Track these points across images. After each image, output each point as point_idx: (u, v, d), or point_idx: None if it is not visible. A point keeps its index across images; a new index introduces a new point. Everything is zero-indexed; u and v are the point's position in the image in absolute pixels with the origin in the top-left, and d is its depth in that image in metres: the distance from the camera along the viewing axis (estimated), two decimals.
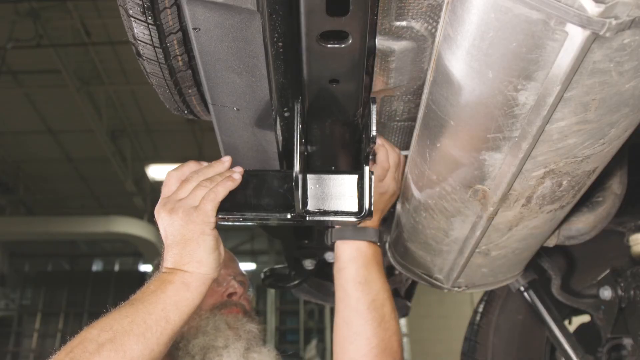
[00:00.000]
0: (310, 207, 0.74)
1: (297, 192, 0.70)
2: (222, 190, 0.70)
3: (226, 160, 0.75)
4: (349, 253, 0.84)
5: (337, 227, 0.86)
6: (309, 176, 0.74)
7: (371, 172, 0.74)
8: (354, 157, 0.89)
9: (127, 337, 0.60)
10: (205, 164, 0.78)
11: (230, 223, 0.75)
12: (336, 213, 0.74)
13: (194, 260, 0.68)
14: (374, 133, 0.70)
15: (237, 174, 0.73)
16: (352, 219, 0.74)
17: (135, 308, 0.64)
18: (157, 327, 0.63)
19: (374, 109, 0.72)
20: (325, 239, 0.89)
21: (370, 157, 0.77)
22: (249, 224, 0.76)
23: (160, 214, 0.71)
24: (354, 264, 0.84)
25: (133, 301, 0.66)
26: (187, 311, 0.67)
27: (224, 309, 0.95)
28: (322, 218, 0.74)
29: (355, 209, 0.74)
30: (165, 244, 0.71)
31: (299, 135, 0.71)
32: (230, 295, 1.00)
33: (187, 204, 0.70)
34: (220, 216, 0.72)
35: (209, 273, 0.69)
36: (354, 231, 0.85)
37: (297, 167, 0.69)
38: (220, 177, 0.72)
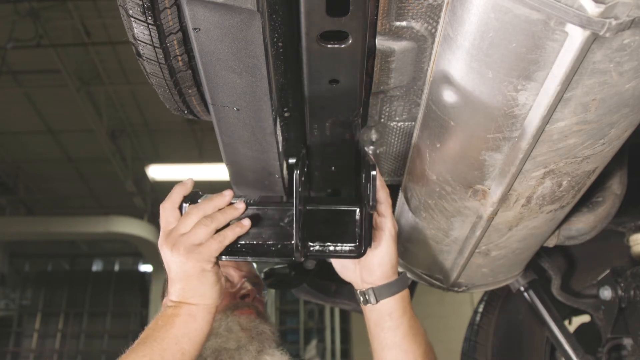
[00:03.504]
0: (311, 246, 0.76)
1: (297, 239, 0.71)
2: (231, 235, 0.73)
3: (227, 194, 0.76)
4: (401, 306, 0.79)
5: (379, 284, 0.79)
6: (308, 209, 0.75)
7: (372, 208, 0.74)
8: (354, 174, 0.90)
9: None
10: (188, 184, 0.79)
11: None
12: (336, 250, 0.76)
13: (197, 295, 0.72)
14: (373, 203, 0.71)
15: (247, 220, 0.74)
16: (353, 255, 0.76)
17: (150, 346, 0.68)
18: None
19: (376, 176, 0.72)
20: (361, 299, 0.82)
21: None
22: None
23: (163, 248, 0.74)
24: (406, 317, 0.80)
25: (145, 339, 0.69)
26: (199, 340, 0.71)
27: (236, 310, 0.95)
28: (323, 256, 0.76)
29: (355, 245, 0.75)
30: (169, 277, 0.75)
31: (299, 177, 0.73)
32: (243, 296, 1.00)
33: (189, 241, 0.72)
34: (224, 258, 0.75)
35: (212, 304, 0.74)
36: (397, 282, 0.80)
37: (296, 208, 0.71)
38: (222, 214, 0.74)
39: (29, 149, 7.06)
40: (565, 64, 0.50)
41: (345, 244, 0.75)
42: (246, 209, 0.76)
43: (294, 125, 0.90)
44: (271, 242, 0.75)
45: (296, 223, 0.71)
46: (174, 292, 0.73)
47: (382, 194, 0.79)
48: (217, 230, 0.73)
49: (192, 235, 0.72)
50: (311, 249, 0.75)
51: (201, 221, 0.73)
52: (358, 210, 0.75)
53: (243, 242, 0.75)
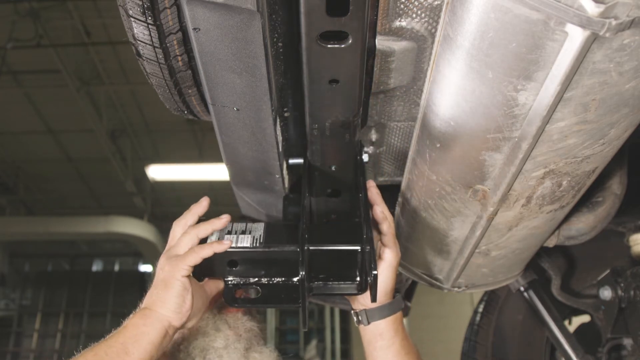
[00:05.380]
0: (313, 285, 0.79)
1: (303, 292, 0.74)
2: (208, 250, 0.76)
3: (224, 217, 0.81)
4: (393, 327, 0.82)
5: (372, 307, 0.83)
6: (311, 249, 0.78)
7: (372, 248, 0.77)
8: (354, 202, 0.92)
9: None
10: (204, 204, 0.83)
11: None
12: (339, 287, 0.79)
13: (159, 300, 0.75)
14: (375, 272, 0.73)
15: (227, 241, 0.79)
16: (354, 292, 0.79)
17: (101, 344, 0.71)
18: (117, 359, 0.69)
19: (373, 251, 0.75)
20: (355, 318, 0.86)
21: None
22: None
23: (159, 261, 0.79)
24: (398, 337, 0.83)
25: (104, 338, 0.73)
26: (147, 347, 0.72)
27: (224, 309, 0.95)
28: (325, 293, 0.80)
29: (356, 282, 0.78)
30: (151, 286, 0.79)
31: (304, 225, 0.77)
32: None
33: (173, 252, 0.77)
34: (236, 306, 0.81)
35: (167, 315, 0.74)
36: (390, 306, 0.83)
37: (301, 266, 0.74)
38: (206, 223, 0.79)
39: (29, 149, 7.06)
40: (565, 64, 0.50)
41: (346, 282, 0.79)
42: (232, 224, 0.81)
43: (294, 125, 0.90)
44: (278, 280, 0.79)
45: (301, 265, 0.74)
46: (146, 297, 0.77)
47: (385, 226, 0.82)
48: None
49: (176, 246, 0.77)
50: (313, 286, 0.79)
51: (187, 230, 0.78)
52: (359, 249, 0.77)
53: (252, 281, 0.80)
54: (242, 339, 0.89)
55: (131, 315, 0.76)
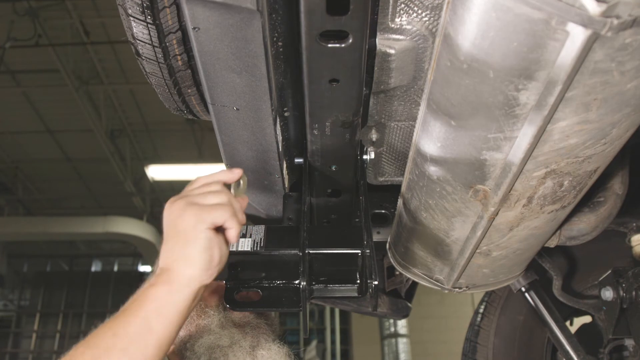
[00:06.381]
0: (314, 288, 0.79)
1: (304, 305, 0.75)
2: (238, 207, 0.65)
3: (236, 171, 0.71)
4: None
5: None
6: (311, 253, 0.78)
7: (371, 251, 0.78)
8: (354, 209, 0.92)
9: (108, 354, 0.56)
10: (235, 175, 0.71)
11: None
12: (340, 289, 0.80)
13: (181, 258, 0.61)
14: (375, 282, 0.74)
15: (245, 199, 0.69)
16: (355, 295, 0.80)
17: (119, 320, 0.59)
18: (140, 340, 0.57)
19: (374, 256, 0.77)
20: None
21: None
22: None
23: (166, 205, 0.65)
24: None
25: (121, 311, 0.61)
26: (173, 319, 0.60)
27: None
28: (325, 297, 0.80)
29: (357, 285, 0.79)
30: (163, 240, 0.65)
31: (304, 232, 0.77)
32: None
33: (194, 198, 0.64)
34: (237, 310, 0.80)
35: (195, 275, 0.61)
36: None
37: (302, 274, 0.74)
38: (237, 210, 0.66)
39: (28, 149, 7.05)
40: (566, 64, 0.49)
41: (347, 285, 0.79)
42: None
43: (294, 125, 0.90)
44: (279, 283, 0.79)
45: (302, 274, 0.74)
46: (162, 254, 0.63)
47: None
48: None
49: (201, 195, 0.64)
50: (314, 289, 0.79)
51: (216, 192, 0.64)
52: (360, 252, 0.78)
53: (253, 284, 0.80)
54: (248, 337, 0.89)
55: (150, 280, 0.63)
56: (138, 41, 0.71)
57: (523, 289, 1.23)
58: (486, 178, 0.70)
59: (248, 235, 0.80)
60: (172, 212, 0.63)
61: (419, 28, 0.68)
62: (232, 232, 0.63)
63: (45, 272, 10.23)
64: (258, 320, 0.92)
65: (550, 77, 0.52)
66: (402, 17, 0.67)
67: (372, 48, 0.71)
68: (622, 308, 1.10)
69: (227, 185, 0.69)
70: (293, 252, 0.77)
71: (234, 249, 0.78)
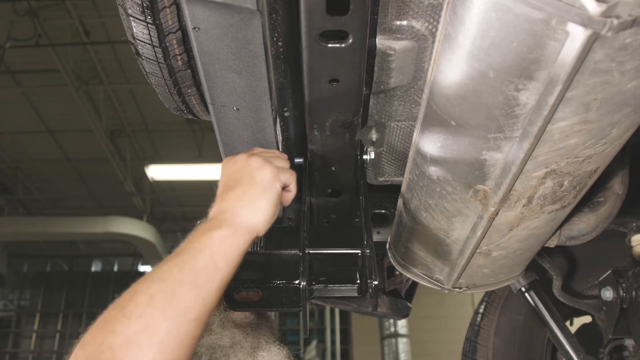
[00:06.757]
0: (314, 288, 0.79)
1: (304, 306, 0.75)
2: (296, 190, 0.71)
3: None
4: None
5: None
6: (311, 253, 0.78)
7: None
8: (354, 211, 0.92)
9: (179, 286, 0.56)
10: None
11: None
12: (340, 289, 0.80)
13: (252, 204, 0.65)
14: (375, 282, 0.74)
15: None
16: (355, 295, 0.80)
17: (183, 257, 0.60)
18: (206, 275, 0.59)
19: (374, 257, 0.77)
20: None
21: None
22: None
23: (235, 157, 0.69)
24: None
25: (179, 251, 0.61)
26: (235, 261, 0.62)
27: None
28: (326, 296, 0.81)
29: (357, 285, 0.79)
30: (225, 187, 0.68)
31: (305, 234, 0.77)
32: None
33: (269, 159, 0.70)
34: (237, 310, 0.80)
35: (258, 226, 0.65)
36: None
37: (302, 274, 0.74)
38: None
39: (28, 149, 7.05)
40: (566, 64, 0.49)
41: (347, 285, 0.79)
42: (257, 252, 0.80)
43: (294, 125, 0.90)
44: (279, 283, 0.79)
45: (302, 274, 0.74)
46: (227, 198, 0.65)
47: None
48: None
49: (276, 157, 0.71)
50: (314, 289, 0.79)
51: (281, 155, 0.73)
52: (360, 252, 0.78)
53: (253, 283, 0.80)
54: (249, 337, 0.89)
55: (209, 222, 0.63)
56: (138, 41, 0.71)
57: (523, 289, 1.23)
58: (486, 178, 0.70)
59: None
60: (250, 163, 0.68)
61: (419, 28, 0.68)
62: (291, 195, 0.72)
63: (45, 272, 10.23)
64: (259, 321, 0.92)
65: (550, 77, 0.52)
66: (402, 17, 0.67)
67: (372, 48, 0.71)
68: (622, 308, 1.10)
69: None
70: (293, 252, 0.77)
71: None
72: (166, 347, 0.53)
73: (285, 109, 0.84)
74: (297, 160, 0.94)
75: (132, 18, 0.69)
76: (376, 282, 0.73)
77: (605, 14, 0.43)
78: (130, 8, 0.68)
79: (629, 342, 1.18)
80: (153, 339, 0.52)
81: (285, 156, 0.75)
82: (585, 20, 0.44)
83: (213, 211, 0.67)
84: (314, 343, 7.40)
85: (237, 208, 0.64)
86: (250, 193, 0.65)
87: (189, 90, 0.82)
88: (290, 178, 0.70)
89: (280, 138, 0.83)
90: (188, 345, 0.56)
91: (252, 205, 0.65)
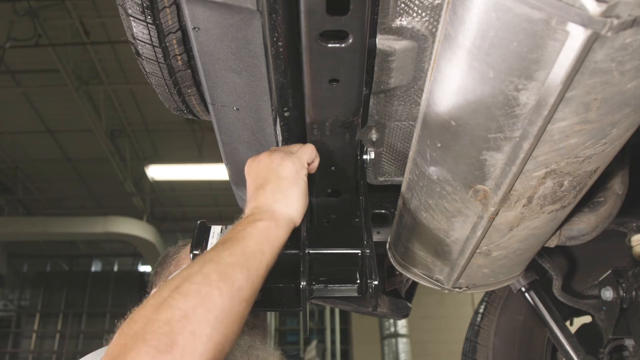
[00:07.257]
0: (315, 290, 0.79)
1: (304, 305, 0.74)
2: (317, 157, 0.76)
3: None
4: None
5: None
6: (311, 253, 0.78)
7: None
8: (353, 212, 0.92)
9: (231, 268, 0.58)
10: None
11: None
12: (340, 289, 0.80)
13: (285, 198, 0.68)
14: (375, 282, 0.74)
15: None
16: (355, 295, 0.80)
17: (231, 243, 0.62)
18: (254, 259, 0.61)
19: (374, 257, 0.76)
20: None
21: None
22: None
23: (257, 157, 0.73)
24: None
25: (224, 240, 0.64)
26: (277, 249, 0.66)
27: None
28: (325, 297, 0.80)
29: (357, 285, 0.79)
30: (255, 186, 0.71)
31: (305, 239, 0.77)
32: None
33: (287, 149, 0.74)
34: None
35: (294, 217, 0.69)
36: None
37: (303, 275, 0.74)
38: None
39: (28, 149, 7.06)
40: (566, 64, 0.49)
41: (347, 285, 0.79)
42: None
43: (294, 125, 0.90)
44: (279, 283, 0.79)
45: (303, 275, 0.74)
46: (260, 197, 0.68)
47: None
48: None
49: (299, 150, 0.74)
50: (314, 289, 0.79)
51: (303, 145, 0.77)
52: (360, 252, 0.78)
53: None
54: (245, 336, 0.89)
55: (250, 217, 0.66)
56: (138, 41, 0.71)
57: (523, 289, 1.23)
58: (486, 178, 0.70)
59: None
60: (273, 160, 0.71)
61: (419, 28, 0.68)
62: (315, 165, 0.77)
63: (45, 272, 10.23)
64: (255, 321, 0.93)
65: (550, 77, 0.52)
66: (402, 17, 0.67)
67: (372, 48, 0.71)
68: (622, 308, 1.10)
69: None
70: (293, 252, 0.77)
71: None
72: (220, 324, 0.54)
73: (285, 109, 0.85)
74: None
75: (132, 18, 0.69)
76: (376, 282, 0.73)
77: (605, 14, 0.43)
78: (130, 8, 0.68)
79: (629, 342, 1.18)
80: (209, 315, 0.53)
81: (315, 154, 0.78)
82: (585, 20, 0.44)
83: (249, 209, 0.69)
84: (314, 343, 7.40)
85: (272, 204, 0.68)
86: (281, 189, 0.69)
87: (189, 90, 0.82)
88: (311, 154, 0.74)
89: (280, 138, 0.83)
90: (239, 325, 0.57)
91: (284, 199, 0.68)
